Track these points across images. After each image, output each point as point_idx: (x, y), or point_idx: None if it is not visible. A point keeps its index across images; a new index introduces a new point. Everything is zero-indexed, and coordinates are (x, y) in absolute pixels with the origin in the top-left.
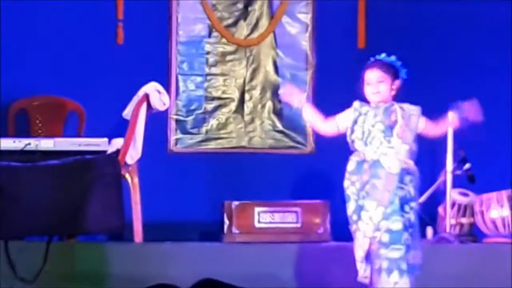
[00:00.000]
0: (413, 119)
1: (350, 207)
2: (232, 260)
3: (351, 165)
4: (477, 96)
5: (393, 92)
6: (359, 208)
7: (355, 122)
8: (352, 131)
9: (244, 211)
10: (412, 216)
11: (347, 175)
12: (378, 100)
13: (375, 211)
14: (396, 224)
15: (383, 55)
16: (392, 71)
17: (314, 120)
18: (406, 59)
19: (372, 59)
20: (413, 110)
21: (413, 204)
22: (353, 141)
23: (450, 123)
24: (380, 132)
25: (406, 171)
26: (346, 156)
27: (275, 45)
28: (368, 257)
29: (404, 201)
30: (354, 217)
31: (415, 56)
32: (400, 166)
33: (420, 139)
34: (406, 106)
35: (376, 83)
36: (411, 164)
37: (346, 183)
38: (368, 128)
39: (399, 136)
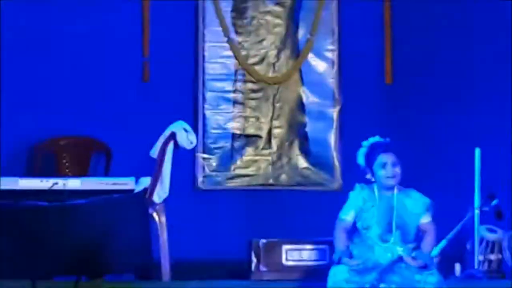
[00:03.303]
0: None
1: None
2: None
3: None
4: (505, 128)
5: None
6: None
7: None
8: None
9: (272, 249)
10: None
11: None
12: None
13: None
14: None
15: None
16: None
17: None
18: (433, 93)
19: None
20: None
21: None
22: None
23: None
24: None
25: None
26: None
27: (301, 82)
28: None
29: None
30: None
31: (441, 90)
32: None
33: (445, 173)
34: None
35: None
36: None
37: None
38: None
39: None
